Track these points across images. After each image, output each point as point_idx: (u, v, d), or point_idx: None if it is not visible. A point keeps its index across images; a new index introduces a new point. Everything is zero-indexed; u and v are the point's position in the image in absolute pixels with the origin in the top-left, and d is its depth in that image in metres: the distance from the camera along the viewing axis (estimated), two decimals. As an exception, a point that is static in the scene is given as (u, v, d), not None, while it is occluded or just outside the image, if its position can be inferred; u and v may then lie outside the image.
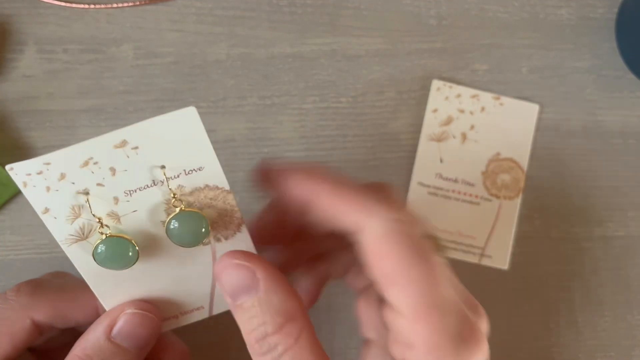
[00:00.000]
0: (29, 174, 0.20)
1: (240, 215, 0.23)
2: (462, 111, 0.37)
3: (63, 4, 0.36)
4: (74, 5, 0.36)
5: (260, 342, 0.21)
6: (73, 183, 0.21)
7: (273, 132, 0.37)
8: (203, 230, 0.22)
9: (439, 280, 0.21)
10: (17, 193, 0.35)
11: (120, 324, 0.24)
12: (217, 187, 0.22)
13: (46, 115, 0.36)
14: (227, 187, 0.22)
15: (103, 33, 0.36)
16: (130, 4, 0.37)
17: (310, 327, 0.22)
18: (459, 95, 0.37)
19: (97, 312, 0.26)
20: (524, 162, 0.37)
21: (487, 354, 0.22)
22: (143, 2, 0.37)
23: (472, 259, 0.36)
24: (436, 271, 0.21)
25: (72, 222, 0.21)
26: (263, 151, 0.36)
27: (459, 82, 0.37)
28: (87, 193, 0.21)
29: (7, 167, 0.20)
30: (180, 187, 0.22)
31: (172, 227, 0.22)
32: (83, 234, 0.22)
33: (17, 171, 0.20)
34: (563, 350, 0.36)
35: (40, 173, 0.20)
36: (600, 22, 0.38)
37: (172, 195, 0.22)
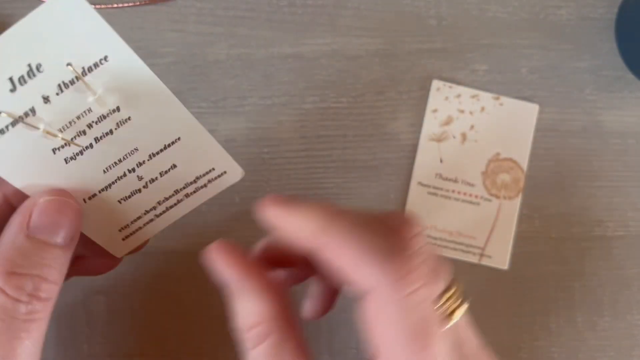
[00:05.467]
0: None
1: None
2: (462, 111, 0.37)
3: (63, 4, 0.36)
4: (74, 5, 0.36)
5: (242, 334, 0.22)
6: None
7: (273, 132, 0.37)
8: None
9: None
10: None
11: (35, 216, 0.21)
12: None
13: (47, 115, 0.36)
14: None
15: (103, 33, 0.36)
16: (131, 4, 0.37)
17: (280, 330, 0.22)
18: (458, 96, 0.37)
19: (7, 202, 0.23)
20: (524, 162, 0.37)
21: None
22: (143, 2, 0.37)
23: (472, 259, 0.36)
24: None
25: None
26: (263, 151, 0.36)
27: (458, 82, 0.37)
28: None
29: None
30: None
31: None
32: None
33: None
34: (563, 351, 0.36)
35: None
36: (600, 22, 0.38)
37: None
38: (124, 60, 0.20)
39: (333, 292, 0.29)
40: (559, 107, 0.38)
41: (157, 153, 0.23)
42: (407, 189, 0.37)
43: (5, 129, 0.20)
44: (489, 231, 0.37)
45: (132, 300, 0.35)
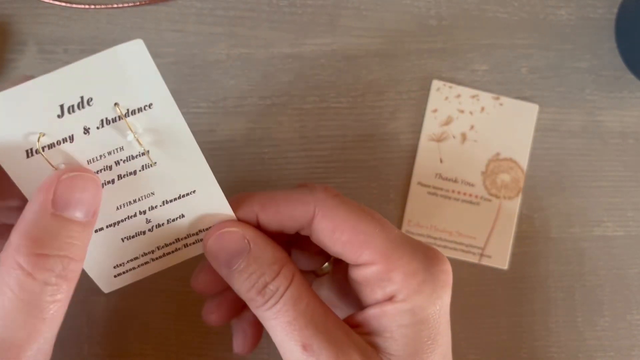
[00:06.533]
0: None
1: None
2: (461, 111, 0.37)
3: (63, 4, 0.36)
4: (74, 5, 0.36)
5: (262, 292, 0.24)
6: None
7: (273, 132, 0.37)
8: None
9: (389, 225, 0.26)
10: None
11: (60, 193, 0.20)
12: None
13: (47, 115, 0.36)
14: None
15: (103, 33, 0.36)
16: (131, 4, 0.37)
17: (297, 268, 0.25)
18: (458, 96, 0.37)
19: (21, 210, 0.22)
20: (524, 162, 0.37)
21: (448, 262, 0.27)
22: (143, 2, 0.37)
23: (472, 259, 0.36)
24: (384, 221, 0.26)
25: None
26: (263, 151, 0.36)
27: (458, 83, 0.37)
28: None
29: None
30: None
31: None
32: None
33: None
34: (563, 350, 0.37)
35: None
36: (599, 23, 0.39)
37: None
38: (166, 111, 0.21)
39: (257, 327, 0.30)
40: (558, 107, 0.38)
41: (171, 201, 0.24)
42: (407, 189, 0.37)
43: (40, 150, 0.21)
44: (489, 231, 0.37)
45: (132, 300, 0.35)
